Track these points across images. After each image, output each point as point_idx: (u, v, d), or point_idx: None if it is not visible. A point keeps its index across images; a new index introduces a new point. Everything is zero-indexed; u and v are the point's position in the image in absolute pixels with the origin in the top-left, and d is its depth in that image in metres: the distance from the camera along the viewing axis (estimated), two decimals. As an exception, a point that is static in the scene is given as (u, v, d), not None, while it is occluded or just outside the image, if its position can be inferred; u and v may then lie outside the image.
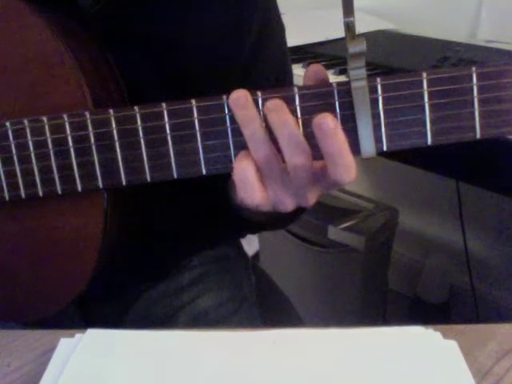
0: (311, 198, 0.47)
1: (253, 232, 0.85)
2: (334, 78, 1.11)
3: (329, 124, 0.42)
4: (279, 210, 0.48)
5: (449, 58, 1.13)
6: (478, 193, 1.26)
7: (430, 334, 0.48)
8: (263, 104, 0.45)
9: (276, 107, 0.44)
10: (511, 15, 1.32)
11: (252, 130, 0.45)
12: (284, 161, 0.45)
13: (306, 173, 0.45)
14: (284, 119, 0.44)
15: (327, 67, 1.16)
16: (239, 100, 0.45)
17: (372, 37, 1.32)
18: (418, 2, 1.51)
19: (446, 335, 0.47)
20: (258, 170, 0.46)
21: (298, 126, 0.44)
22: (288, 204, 0.48)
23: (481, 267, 1.53)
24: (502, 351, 0.48)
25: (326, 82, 0.46)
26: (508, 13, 1.33)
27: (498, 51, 1.20)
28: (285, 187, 0.46)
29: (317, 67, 0.46)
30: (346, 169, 0.43)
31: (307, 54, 1.25)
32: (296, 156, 0.44)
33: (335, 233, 1.39)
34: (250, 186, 0.46)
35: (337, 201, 1.51)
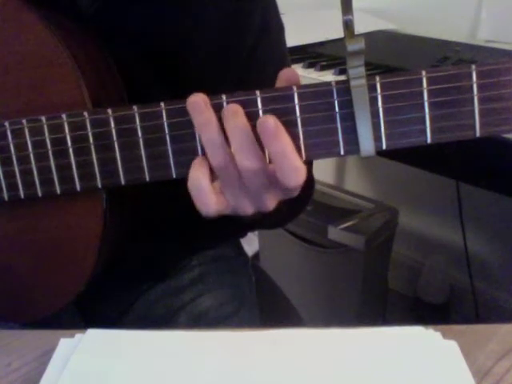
0: (269, 203, 0.47)
1: (250, 230, 0.84)
2: (333, 78, 1.11)
3: (270, 125, 0.43)
4: (239, 214, 0.48)
5: (449, 58, 1.13)
6: (478, 193, 1.26)
7: (430, 334, 0.48)
8: (264, 103, 0.45)
9: (230, 111, 0.44)
10: (511, 15, 1.33)
11: (208, 134, 0.44)
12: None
13: (257, 176, 0.45)
14: (237, 122, 0.44)
15: (327, 67, 1.16)
16: (197, 104, 0.44)
17: (372, 37, 1.32)
18: (418, 2, 1.51)
19: (445, 335, 0.47)
20: (216, 176, 0.46)
21: (252, 130, 0.44)
22: (247, 208, 0.47)
23: (481, 267, 1.53)
24: (502, 351, 0.48)
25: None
26: (508, 13, 1.33)
27: (498, 51, 1.20)
28: (242, 192, 0.46)
29: (290, 72, 0.46)
30: (292, 172, 0.43)
31: (307, 53, 1.25)
32: (246, 159, 0.44)
33: (335, 233, 1.39)
34: (204, 195, 0.46)
35: (337, 201, 1.51)
